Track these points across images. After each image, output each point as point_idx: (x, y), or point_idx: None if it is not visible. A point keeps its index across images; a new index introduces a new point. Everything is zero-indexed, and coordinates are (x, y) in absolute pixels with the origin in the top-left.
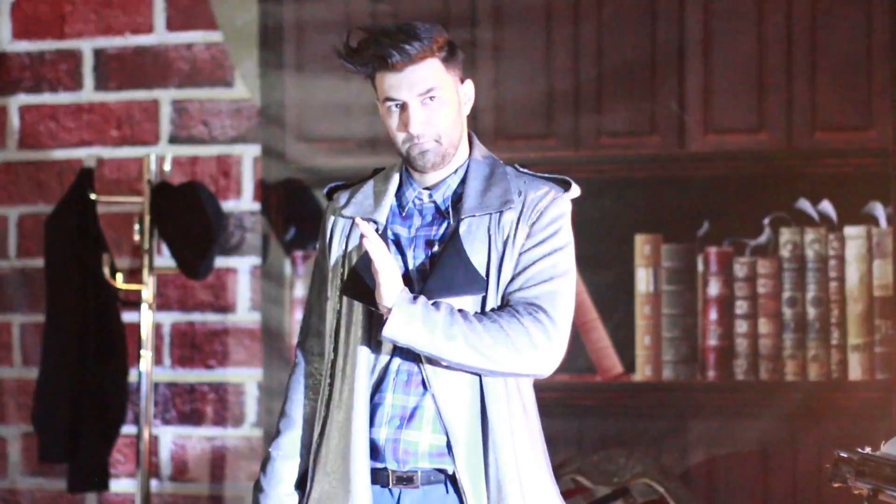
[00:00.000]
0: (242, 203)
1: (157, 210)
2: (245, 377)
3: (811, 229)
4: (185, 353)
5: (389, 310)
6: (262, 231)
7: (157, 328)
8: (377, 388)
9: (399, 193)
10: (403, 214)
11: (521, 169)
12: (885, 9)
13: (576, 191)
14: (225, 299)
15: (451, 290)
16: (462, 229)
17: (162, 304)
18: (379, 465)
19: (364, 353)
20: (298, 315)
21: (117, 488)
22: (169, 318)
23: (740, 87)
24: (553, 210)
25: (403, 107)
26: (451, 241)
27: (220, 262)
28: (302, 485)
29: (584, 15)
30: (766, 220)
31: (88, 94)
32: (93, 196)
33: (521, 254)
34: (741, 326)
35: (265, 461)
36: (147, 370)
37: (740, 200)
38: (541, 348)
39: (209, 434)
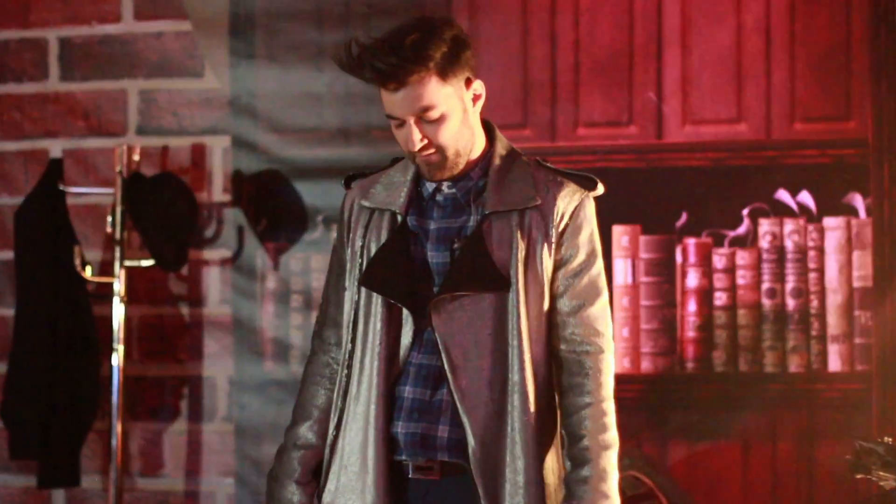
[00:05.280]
0: (213, 195)
1: (132, 202)
2: (216, 371)
3: (790, 220)
4: (153, 347)
5: None
6: (233, 223)
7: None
8: (396, 381)
9: (418, 184)
10: (423, 206)
11: (544, 163)
12: None
13: (600, 189)
14: (195, 292)
15: (472, 286)
16: (484, 225)
17: (130, 297)
18: (398, 458)
19: (383, 346)
20: (271, 308)
21: (85, 484)
22: (137, 312)
23: (719, 78)
24: (581, 214)
25: (403, 122)
26: (473, 236)
27: (191, 254)
28: (317, 475)
29: (560, 4)
30: (745, 211)
31: (54, 83)
32: (63, 187)
33: (557, 269)
34: (720, 318)
35: (280, 450)
36: (119, 364)
37: (719, 191)
38: (612, 362)
39: (179, 429)
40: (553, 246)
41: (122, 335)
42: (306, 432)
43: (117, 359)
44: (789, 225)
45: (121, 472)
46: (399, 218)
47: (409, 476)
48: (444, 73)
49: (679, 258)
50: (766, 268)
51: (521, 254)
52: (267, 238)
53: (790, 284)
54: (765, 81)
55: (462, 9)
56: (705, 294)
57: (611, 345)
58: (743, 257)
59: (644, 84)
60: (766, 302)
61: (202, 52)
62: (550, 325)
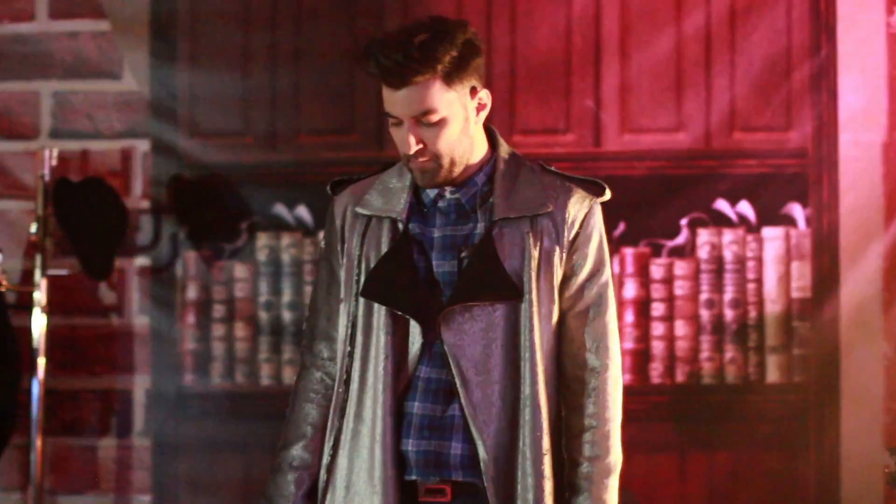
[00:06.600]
0: (131, 201)
1: (60, 208)
2: (132, 384)
3: (729, 230)
4: (67, 359)
5: None
6: (152, 230)
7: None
8: (403, 396)
9: (417, 190)
10: (425, 213)
11: (549, 168)
12: (804, 9)
13: (608, 195)
14: (111, 301)
15: (483, 295)
16: (494, 232)
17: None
18: (409, 478)
19: (390, 360)
20: (191, 318)
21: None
22: (50, 322)
23: (658, 86)
24: (591, 221)
25: (401, 122)
26: (483, 244)
27: None
28: (312, 496)
29: (496, 9)
30: (684, 221)
31: None
32: None
33: (566, 279)
34: (658, 329)
35: (274, 471)
36: (40, 377)
37: (657, 201)
38: (619, 378)
39: (93, 444)
40: (564, 255)
41: (43, 347)
42: (301, 452)
43: (39, 371)
44: (728, 235)
45: (39, 489)
46: (400, 226)
47: (419, 499)
48: (450, 78)
49: (616, 268)
50: (705, 278)
51: (534, 262)
52: (188, 246)
53: (728, 295)
54: (704, 90)
55: (394, 12)
56: (643, 304)
57: (618, 359)
58: (681, 267)
59: (582, 91)
60: (704, 313)
61: (121, 53)
62: (557, 339)
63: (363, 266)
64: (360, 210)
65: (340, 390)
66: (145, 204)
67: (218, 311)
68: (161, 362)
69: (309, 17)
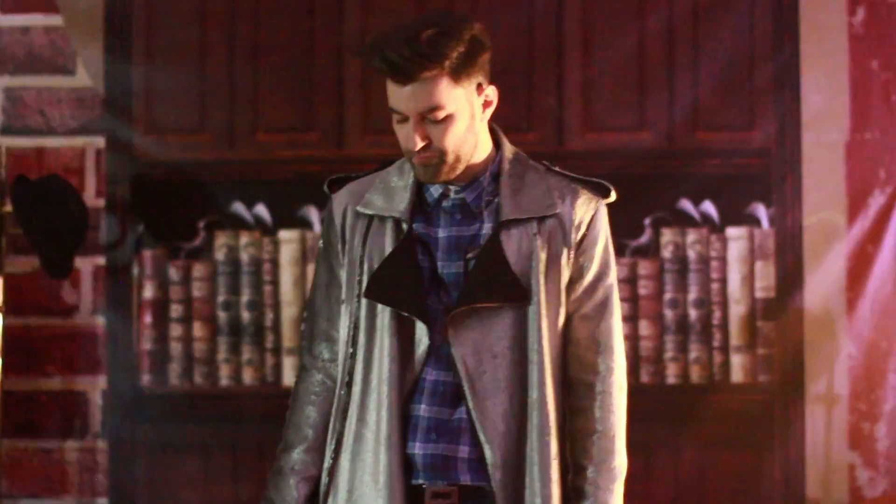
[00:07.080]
0: (85, 199)
1: (18, 206)
2: (88, 385)
3: (693, 230)
4: (20, 360)
5: None
6: (107, 229)
7: None
8: (408, 399)
9: (420, 189)
10: (429, 212)
11: (553, 167)
12: (767, 8)
13: (613, 196)
14: (65, 301)
15: (491, 297)
16: (501, 233)
17: None
18: (415, 483)
19: (395, 362)
20: (147, 318)
21: None
22: (4, 321)
23: (621, 85)
24: (598, 223)
25: (406, 118)
26: (490, 245)
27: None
28: (314, 499)
29: (458, 6)
30: (647, 221)
31: None
32: None
33: (572, 281)
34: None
35: (276, 474)
36: None
37: (620, 200)
38: (624, 385)
39: (47, 446)
40: (572, 257)
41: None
42: (303, 456)
43: None
44: (692, 235)
45: None
46: (404, 226)
47: (426, 503)
48: (457, 75)
49: None
50: (669, 278)
51: (542, 265)
52: (145, 245)
53: (692, 295)
54: (668, 89)
55: (355, 9)
56: None
57: (622, 362)
58: (645, 267)
59: (544, 89)
60: (668, 312)
61: (74, 49)
62: (563, 342)
63: (365, 266)
64: (361, 209)
65: (342, 392)
66: (100, 202)
67: (176, 310)
68: (117, 363)
69: (267, 12)
